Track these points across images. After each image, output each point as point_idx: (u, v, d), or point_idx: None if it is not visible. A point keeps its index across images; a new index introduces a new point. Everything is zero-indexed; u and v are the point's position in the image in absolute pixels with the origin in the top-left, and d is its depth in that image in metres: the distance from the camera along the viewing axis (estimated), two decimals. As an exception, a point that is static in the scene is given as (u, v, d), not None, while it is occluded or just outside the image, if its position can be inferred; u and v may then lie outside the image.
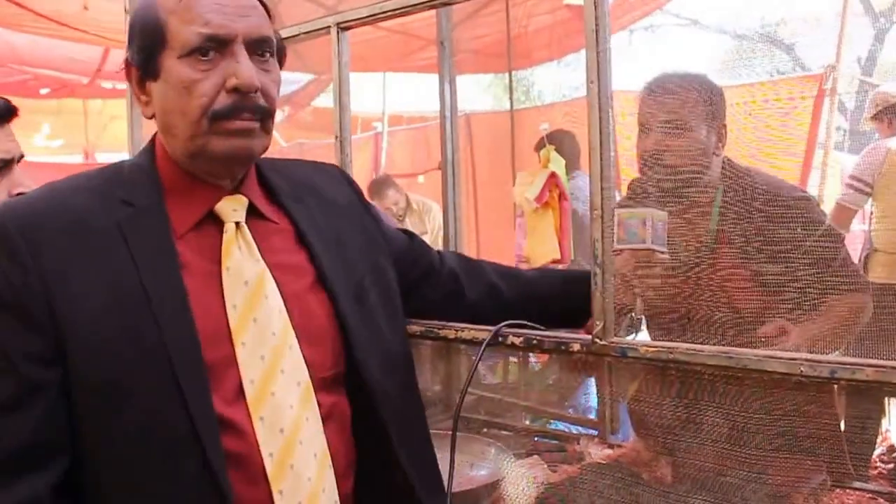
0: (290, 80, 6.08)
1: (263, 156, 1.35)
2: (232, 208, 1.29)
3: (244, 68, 1.21)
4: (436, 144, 2.57)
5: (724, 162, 1.92)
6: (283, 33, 2.02)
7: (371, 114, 8.47)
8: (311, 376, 1.26)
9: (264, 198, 1.37)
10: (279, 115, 6.49)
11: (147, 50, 1.23)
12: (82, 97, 7.23)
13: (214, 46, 1.20)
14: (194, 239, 1.26)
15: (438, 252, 1.74)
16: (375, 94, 8.07)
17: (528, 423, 2.46)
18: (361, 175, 6.84)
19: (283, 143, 7.93)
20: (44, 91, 6.57)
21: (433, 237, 5.91)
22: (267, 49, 1.26)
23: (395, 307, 1.47)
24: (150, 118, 1.29)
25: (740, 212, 1.79)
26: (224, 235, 1.27)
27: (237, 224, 1.29)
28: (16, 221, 1.19)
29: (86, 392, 1.16)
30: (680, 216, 1.76)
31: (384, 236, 1.55)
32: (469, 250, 6.27)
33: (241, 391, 1.20)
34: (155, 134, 1.33)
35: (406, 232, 1.70)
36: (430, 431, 1.51)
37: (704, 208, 1.82)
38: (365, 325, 1.35)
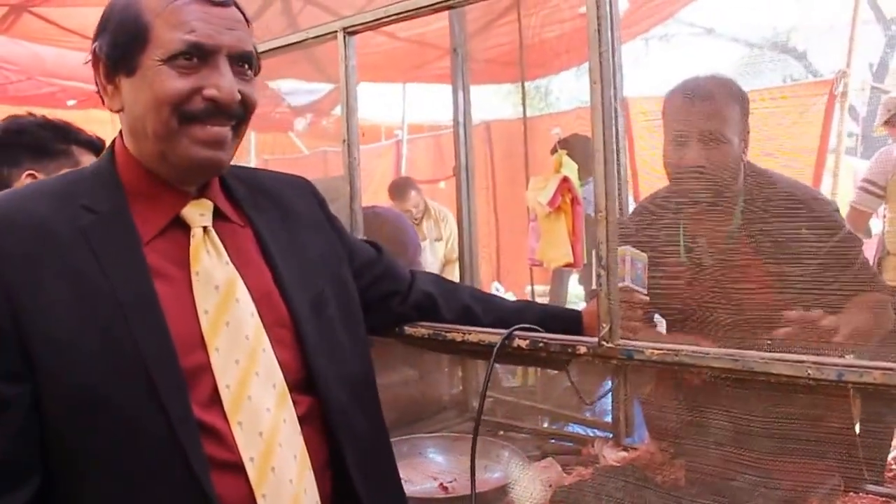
0: (311, 90, 6.09)
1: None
2: (199, 213, 1.29)
3: (226, 81, 1.22)
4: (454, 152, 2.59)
5: (744, 165, 1.91)
6: (292, 39, 2.05)
7: (393, 123, 8.54)
8: (284, 378, 1.26)
9: (227, 202, 1.36)
10: (302, 124, 6.53)
11: (125, 46, 1.22)
12: (107, 107, 7.31)
13: (198, 55, 1.21)
14: (161, 245, 1.25)
15: (413, 272, 1.76)
16: (397, 104, 8.14)
17: (545, 425, 2.47)
18: (385, 180, 6.92)
19: (306, 150, 7.97)
20: (70, 103, 6.61)
21: (449, 244, 5.97)
22: (247, 63, 1.27)
23: (357, 320, 1.47)
24: (117, 112, 1.28)
25: (762, 214, 1.78)
26: (192, 240, 1.27)
27: (204, 228, 1.28)
28: None
29: (62, 403, 1.14)
30: (704, 220, 1.76)
31: (348, 249, 1.56)
32: (487, 254, 6.34)
33: (216, 396, 1.20)
34: (114, 140, 1.33)
35: (375, 246, 1.71)
36: (445, 434, 1.50)
37: (727, 211, 1.82)
38: (322, 335, 1.34)
